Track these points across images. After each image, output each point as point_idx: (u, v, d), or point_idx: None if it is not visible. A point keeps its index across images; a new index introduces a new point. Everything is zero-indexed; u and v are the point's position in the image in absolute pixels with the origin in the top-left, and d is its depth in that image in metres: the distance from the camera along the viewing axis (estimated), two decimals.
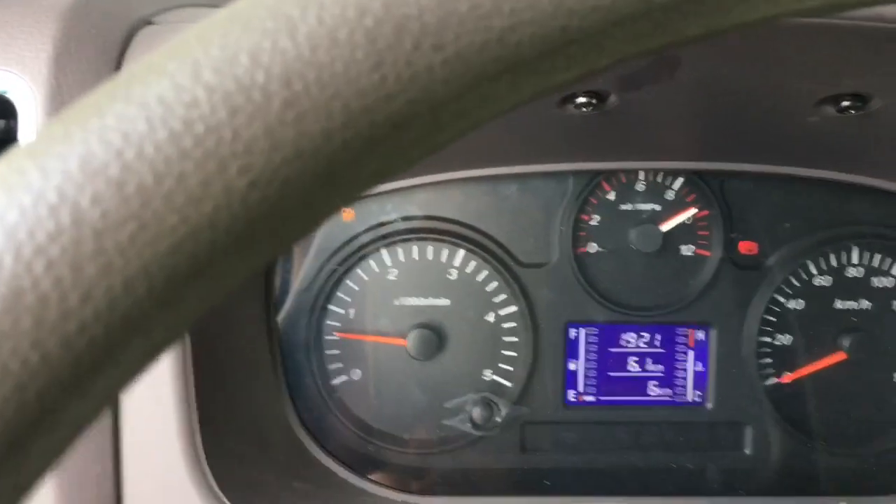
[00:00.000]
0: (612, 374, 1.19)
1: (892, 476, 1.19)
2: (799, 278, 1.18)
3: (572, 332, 1.18)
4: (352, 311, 1.17)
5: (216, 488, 0.87)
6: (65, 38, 0.81)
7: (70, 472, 0.83)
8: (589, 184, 1.16)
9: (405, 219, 1.15)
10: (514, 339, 1.17)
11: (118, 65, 0.83)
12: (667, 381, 1.19)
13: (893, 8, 0.74)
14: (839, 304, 1.18)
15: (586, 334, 1.18)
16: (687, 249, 1.17)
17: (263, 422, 1.10)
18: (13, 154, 0.27)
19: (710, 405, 1.19)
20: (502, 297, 1.16)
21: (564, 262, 1.17)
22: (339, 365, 1.17)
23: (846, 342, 1.16)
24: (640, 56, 0.33)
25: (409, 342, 1.15)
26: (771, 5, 0.33)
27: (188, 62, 0.27)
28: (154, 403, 0.85)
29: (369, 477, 1.15)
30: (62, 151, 0.26)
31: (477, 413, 1.16)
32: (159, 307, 0.27)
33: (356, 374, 1.17)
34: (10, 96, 0.79)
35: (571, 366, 1.19)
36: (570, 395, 1.19)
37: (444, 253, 1.16)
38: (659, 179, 1.16)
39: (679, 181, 1.16)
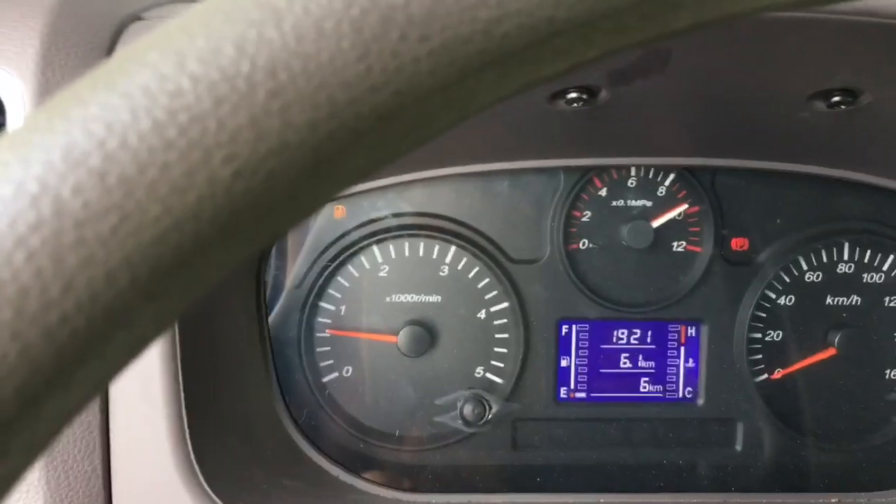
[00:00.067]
0: (603, 370, 1.20)
1: (883, 471, 1.20)
2: (790, 274, 1.18)
3: (564, 329, 1.18)
4: (343, 308, 1.16)
5: (206, 486, 0.87)
6: (53, 34, 0.80)
7: (59, 469, 0.82)
8: (580, 180, 1.16)
9: (396, 215, 1.15)
10: (506, 335, 1.17)
11: None
12: (658, 377, 1.20)
13: (883, 2, 0.74)
14: (830, 301, 1.18)
15: (578, 331, 1.18)
16: (678, 245, 1.18)
17: (254, 419, 1.09)
18: None
19: (701, 401, 1.19)
20: (494, 293, 1.16)
21: (556, 259, 1.16)
22: (330, 362, 1.17)
23: (837, 338, 1.17)
24: (628, 48, 0.33)
25: (401, 339, 1.14)
26: None
27: (172, 52, 0.27)
28: (143, 401, 0.85)
29: (360, 474, 1.15)
30: (44, 141, 0.26)
31: (468, 410, 1.16)
32: (143, 299, 0.27)
33: (347, 371, 1.17)
34: None
35: (563, 362, 1.19)
36: (562, 391, 1.19)
37: (436, 249, 1.16)
38: (650, 175, 1.16)
39: (670, 177, 1.16)
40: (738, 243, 1.18)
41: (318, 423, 1.17)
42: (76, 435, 0.84)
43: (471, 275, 1.16)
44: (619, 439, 1.20)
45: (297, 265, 1.16)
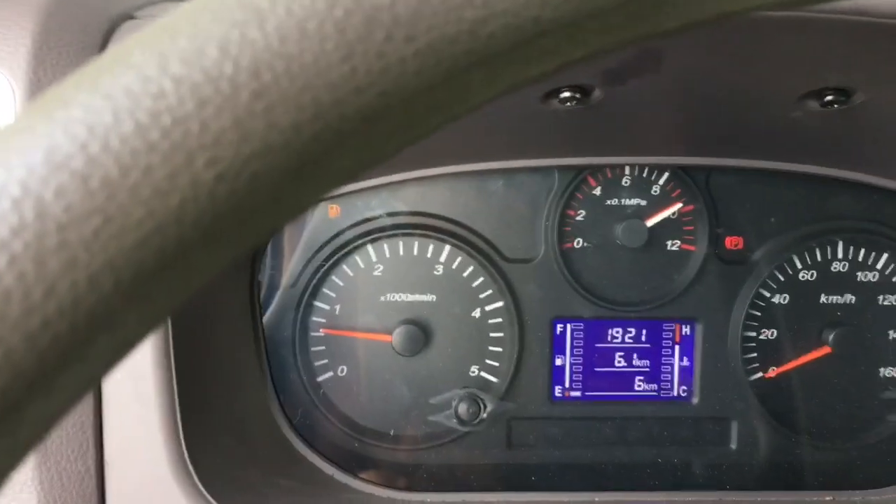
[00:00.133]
0: (598, 369, 1.20)
1: (877, 469, 1.20)
2: (784, 273, 1.18)
3: (558, 328, 1.18)
4: (337, 308, 1.16)
5: (200, 486, 0.86)
6: (45, 33, 0.80)
7: (52, 469, 0.82)
8: (574, 179, 1.16)
9: (390, 214, 1.15)
10: (500, 334, 1.17)
11: None
12: (653, 376, 1.20)
13: (875, 1, 0.74)
14: (824, 299, 1.18)
15: (572, 330, 1.18)
16: (672, 244, 1.17)
17: (248, 419, 1.09)
18: None
19: (695, 400, 1.19)
20: (488, 292, 1.16)
21: (550, 258, 1.16)
22: (325, 361, 1.17)
23: (831, 336, 1.17)
24: (617, 49, 0.32)
25: (395, 338, 1.14)
26: None
27: (155, 53, 0.27)
28: (137, 400, 0.85)
29: (355, 473, 1.15)
30: (26, 144, 0.26)
31: (463, 409, 1.16)
32: (126, 302, 0.27)
33: (342, 370, 1.17)
34: None
35: (558, 361, 1.19)
36: (557, 390, 1.19)
37: (430, 248, 1.16)
38: (644, 174, 1.16)
39: (664, 176, 1.16)
40: (732, 242, 1.18)
41: (312, 422, 1.17)
42: (69, 435, 0.83)
43: (465, 274, 1.16)
44: (614, 438, 1.20)
45: (291, 264, 1.16)
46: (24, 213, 0.25)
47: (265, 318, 1.15)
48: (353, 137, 0.29)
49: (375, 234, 1.15)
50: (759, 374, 1.19)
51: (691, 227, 1.17)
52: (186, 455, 0.86)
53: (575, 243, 1.17)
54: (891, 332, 1.19)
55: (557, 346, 1.18)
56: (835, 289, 1.18)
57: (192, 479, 0.86)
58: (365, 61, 0.28)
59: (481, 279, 1.16)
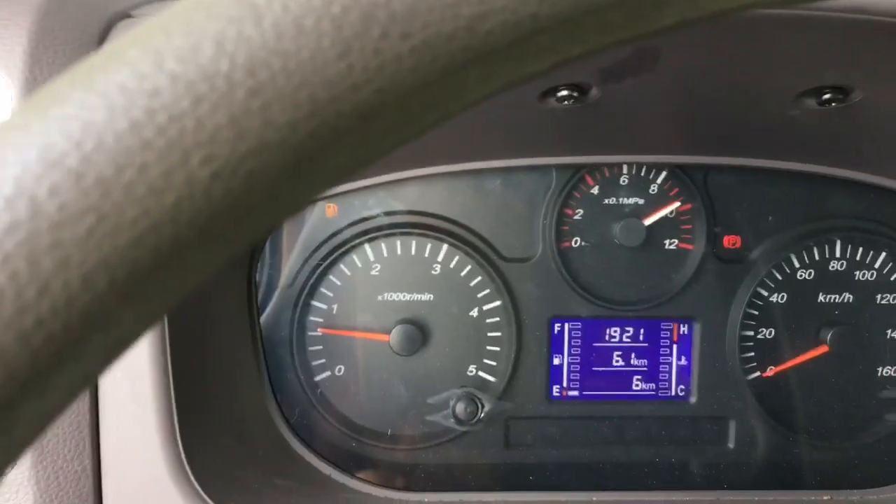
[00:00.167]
0: (596, 368, 1.19)
1: (875, 469, 1.20)
2: (782, 272, 1.18)
3: (556, 327, 1.18)
4: (335, 307, 1.16)
5: (196, 485, 0.86)
6: (41, 32, 0.79)
7: (49, 469, 0.82)
8: (572, 178, 1.16)
9: (388, 214, 1.15)
10: (498, 334, 1.17)
11: None
12: (651, 375, 1.19)
13: None
14: (822, 298, 1.18)
15: (570, 329, 1.18)
16: (670, 243, 1.17)
17: (246, 418, 1.09)
18: None
19: (693, 399, 1.19)
20: (486, 292, 1.16)
21: (548, 257, 1.16)
22: (322, 361, 1.17)
23: (829, 336, 1.17)
24: (614, 46, 0.32)
25: (393, 338, 1.14)
26: None
27: (150, 50, 0.27)
28: (133, 400, 0.85)
29: (352, 473, 1.15)
30: (20, 141, 0.26)
31: (461, 408, 1.15)
32: (121, 302, 0.26)
33: (339, 370, 1.17)
34: None
35: (556, 360, 1.18)
36: (555, 389, 1.19)
37: (428, 248, 1.16)
38: (642, 173, 1.16)
39: (662, 175, 1.16)
40: (730, 241, 1.17)
41: (310, 422, 1.17)
42: (66, 435, 0.83)
43: (463, 273, 1.16)
44: (612, 437, 1.19)
45: (288, 264, 1.16)
46: (17, 212, 0.25)
47: (262, 318, 1.15)
48: (350, 135, 0.28)
49: (373, 233, 1.15)
50: (757, 374, 1.19)
51: (689, 226, 1.17)
52: (183, 455, 0.86)
53: (573, 242, 1.17)
54: (889, 331, 1.19)
55: (555, 345, 1.18)
56: (833, 288, 1.18)
57: (189, 478, 0.86)
58: (361, 58, 0.28)
59: (479, 278, 1.16)
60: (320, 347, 1.16)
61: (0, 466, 0.26)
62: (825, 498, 1.13)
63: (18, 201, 0.25)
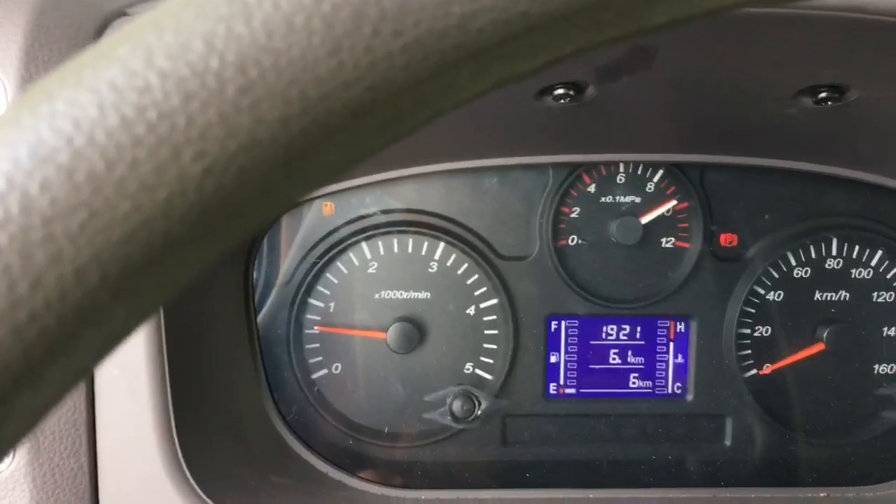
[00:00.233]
0: (593, 366, 1.20)
1: (871, 466, 1.20)
2: (778, 270, 1.18)
3: (553, 325, 1.18)
4: (332, 305, 1.16)
5: (193, 483, 0.86)
6: (36, 30, 0.80)
7: (45, 466, 0.82)
8: (569, 176, 1.16)
9: (385, 212, 1.15)
10: (495, 332, 1.17)
11: None
12: (647, 373, 1.20)
13: None
14: (818, 296, 1.19)
15: (567, 327, 1.18)
16: (667, 242, 1.18)
17: (242, 416, 1.09)
18: None
19: (690, 397, 1.20)
20: (483, 290, 1.16)
21: (545, 255, 1.16)
22: (319, 359, 1.17)
23: (825, 334, 1.17)
24: (606, 44, 0.32)
25: (390, 336, 1.14)
26: None
27: (141, 47, 0.27)
28: (130, 397, 0.85)
29: (349, 471, 1.15)
30: (11, 138, 0.26)
31: (457, 406, 1.16)
32: (113, 297, 0.26)
33: (336, 367, 1.17)
34: None
35: (552, 358, 1.19)
36: (552, 387, 1.19)
37: (425, 246, 1.16)
38: (639, 172, 1.16)
39: (659, 173, 1.16)
40: (726, 239, 1.18)
41: (307, 420, 1.17)
42: (62, 432, 0.83)
43: (460, 271, 1.16)
44: (609, 435, 1.20)
45: (285, 262, 1.16)
46: (9, 207, 0.25)
47: (259, 316, 1.15)
48: (341, 132, 0.29)
49: (370, 231, 1.15)
50: (754, 371, 1.19)
51: (686, 225, 1.17)
52: (180, 452, 0.86)
53: (569, 240, 1.17)
54: (885, 329, 1.19)
55: (552, 343, 1.18)
56: (829, 286, 1.18)
57: (186, 476, 0.86)
58: (352, 56, 0.28)
59: (476, 276, 1.16)
60: (317, 345, 1.17)
61: None
62: (822, 495, 1.13)
63: (10, 196, 0.25)
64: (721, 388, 1.19)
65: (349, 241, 1.15)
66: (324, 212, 1.15)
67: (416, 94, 0.29)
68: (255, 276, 1.15)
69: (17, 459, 0.81)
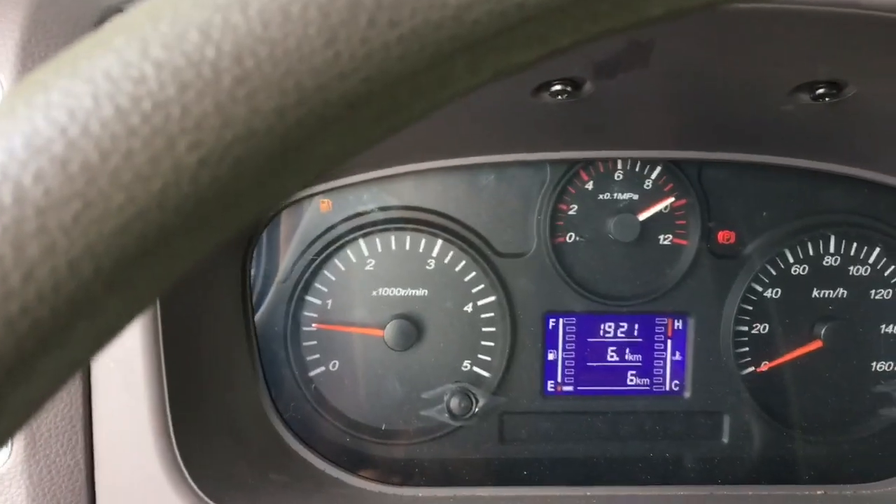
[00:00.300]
0: (590, 363, 1.19)
1: (869, 464, 1.20)
2: (776, 267, 1.18)
3: (551, 322, 1.18)
4: (329, 302, 1.16)
5: (191, 481, 0.86)
6: (33, 25, 0.79)
7: (42, 462, 0.82)
8: (567, 173, 1.16)
9: (383, 209, 1.15)
10: (493, 329, 1.17)
11: None
12: (645, 370, 1.20)
13: None
14: (816, 293, 1.18)
15: (565, 324, 1.18)
16: (665, 239, 1.17)
17: (240, 414, 1.09)
18: None
19: (687, 394, 1.19)
20: (480, 287, 1.16)
21: (542, 252, 1.16)
22: (317, 356, 1.17)
23: (823, 331, 1.17)
24: (602, 36, 0.32)
25: (387, 333, 1.14)
26: None
27: (136, 37, 0.27)
28: (126, 394, 0.85)
29: (346, 468, 1.15)
30: (5, 128, 0.26)
31: (455, 403, 1.16)
32: (107, 289, 0.26)
33: (334, 365, 1.17)
34: None
35: (550, 356, 1.18)
36: (549, 385, 1.19)
37: (422, 243, 1.16)
38: (636, 168, 1.16)
39: (657, 170, 1.16)
40: (724, 236, 1.18)
41: (304, 417, 1.17)
42: (59, 429, 0.83)
43: (457, 268, 1.16)
44: (606, 432, 1.20)
45: (283, 259, 1.16)
46: (2, 197, 0.25)
47: (257, 314, 1.15)
48: (337, 123, 0.28)
49: (367, 228, 1.15)
50: (752, 369, 1.19)
51: (683, 222, 1.17)
52: (177, 450, 0.86)
53: (567, 237, 1.17)
54: (882, 327, 1.19)
55: (550, 340, 1.18)
56: (827, 283, 1.18)
57: (182, 473, 0.86)
58: (349, 46, 0.28)
59: (473, 273, 1.16)
60: (315, 343, 1.16)
61: None
62: (819, 493, 1.13)
63: (3, 186, 0.25)
64: (718, 386, 1.19)
65: (347, 239, 1.15)
66: (321, 209, 1.15)
67: (413, 86, 0.29)
68: (252, 273, 1.14)
69: (14, 456, 0.81)
